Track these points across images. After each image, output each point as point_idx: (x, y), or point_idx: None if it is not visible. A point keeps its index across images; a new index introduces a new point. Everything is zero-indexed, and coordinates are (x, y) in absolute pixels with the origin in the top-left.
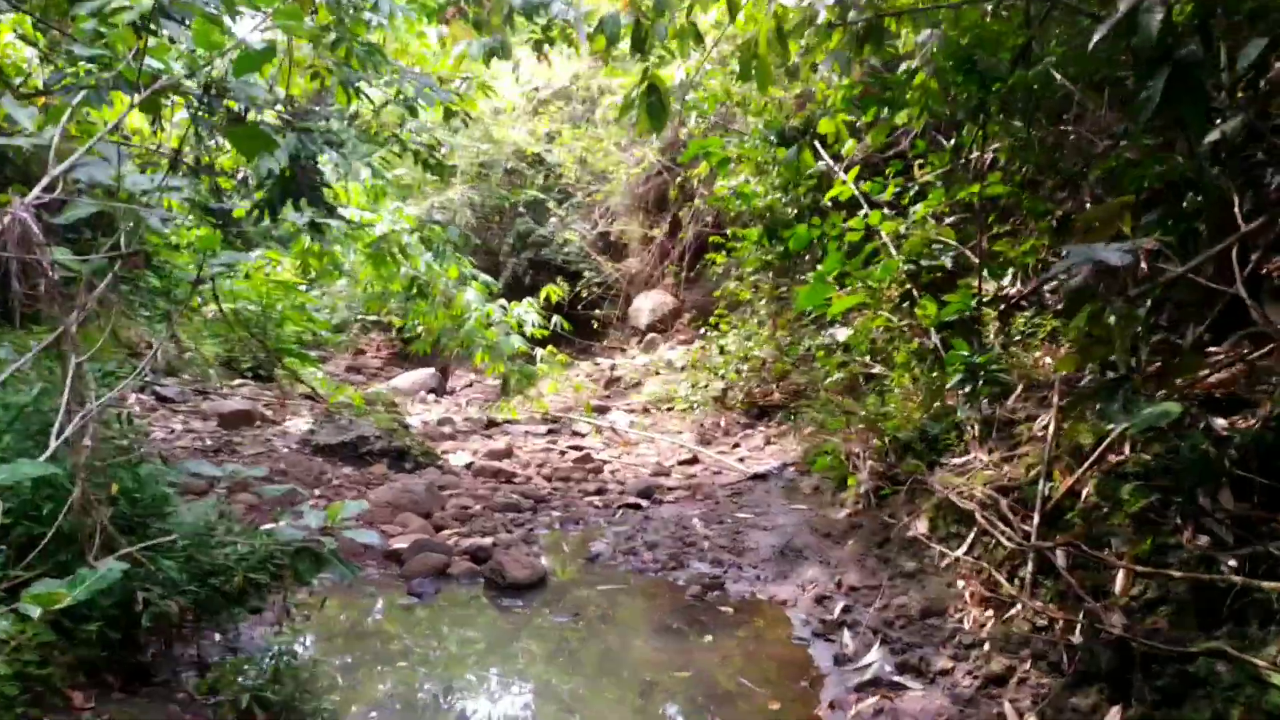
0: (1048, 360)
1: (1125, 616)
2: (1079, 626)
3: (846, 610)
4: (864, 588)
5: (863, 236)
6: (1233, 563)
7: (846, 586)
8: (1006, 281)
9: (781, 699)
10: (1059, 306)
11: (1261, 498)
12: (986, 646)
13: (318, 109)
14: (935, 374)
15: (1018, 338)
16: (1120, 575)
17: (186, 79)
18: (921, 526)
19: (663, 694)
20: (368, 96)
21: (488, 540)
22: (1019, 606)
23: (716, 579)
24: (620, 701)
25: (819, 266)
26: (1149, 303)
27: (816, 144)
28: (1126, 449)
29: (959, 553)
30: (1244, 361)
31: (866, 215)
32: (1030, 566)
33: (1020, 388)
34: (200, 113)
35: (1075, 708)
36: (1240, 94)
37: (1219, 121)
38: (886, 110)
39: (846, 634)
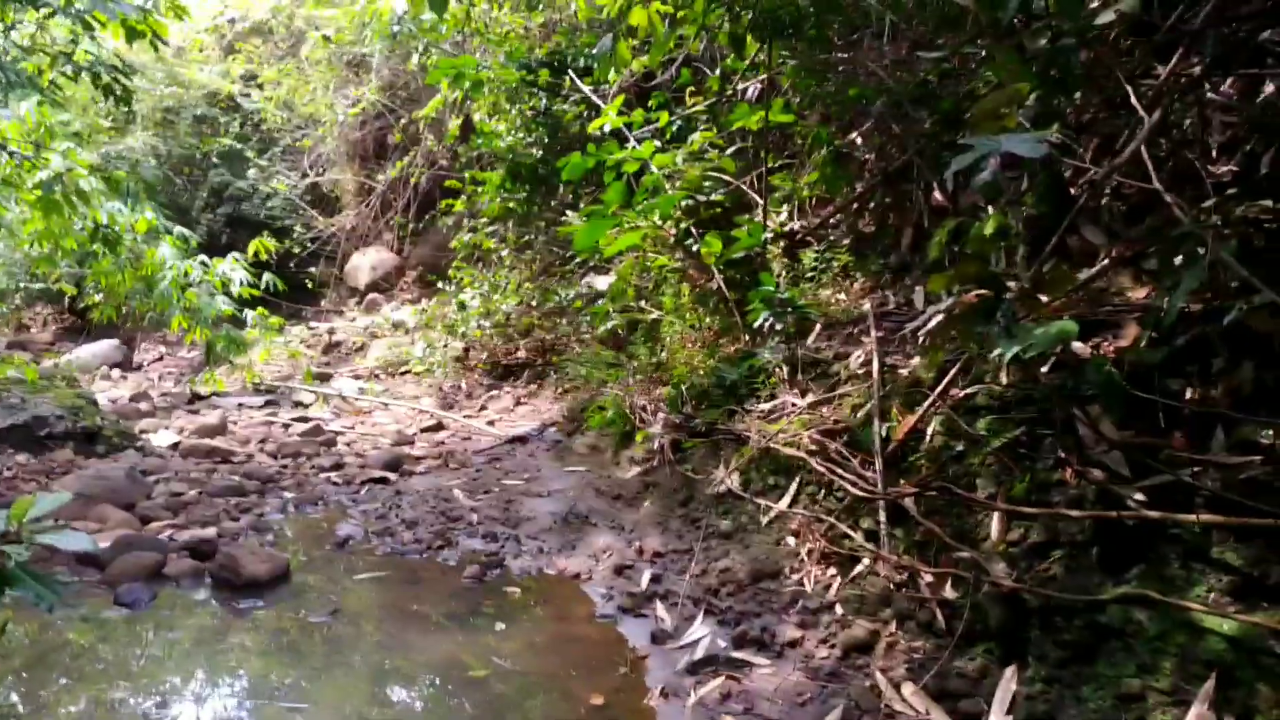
0: (841, 297)
1: (1009, 565)
2: (950, 580)
3: (656, 580)
4: (672, 553)
5: (638, 169)
6: (1140, 496)
7: (650, 553)
8: (784, 216)
9: (602, 690)
10: (845, 240)
11: (1143, 423)
12: (840, 610)
13: None
14: (720, 315)
15: (809, 275)
16: (995, 520)
17: None
18: (733, 481)
19: (464, 698)
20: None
21: (210, 531)
22: (867, 562)
23: (494, 556)
24: (414, 716)
25: (569, 212)
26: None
27: (571, 74)
28: (1005, 377)
29: (783, 505)
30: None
31: (639, 146)
32: (883, 516)
33: (819, 326)
34: None
35: (961, 672)
36: None
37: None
38: (667, 26)
39: (660, 607)
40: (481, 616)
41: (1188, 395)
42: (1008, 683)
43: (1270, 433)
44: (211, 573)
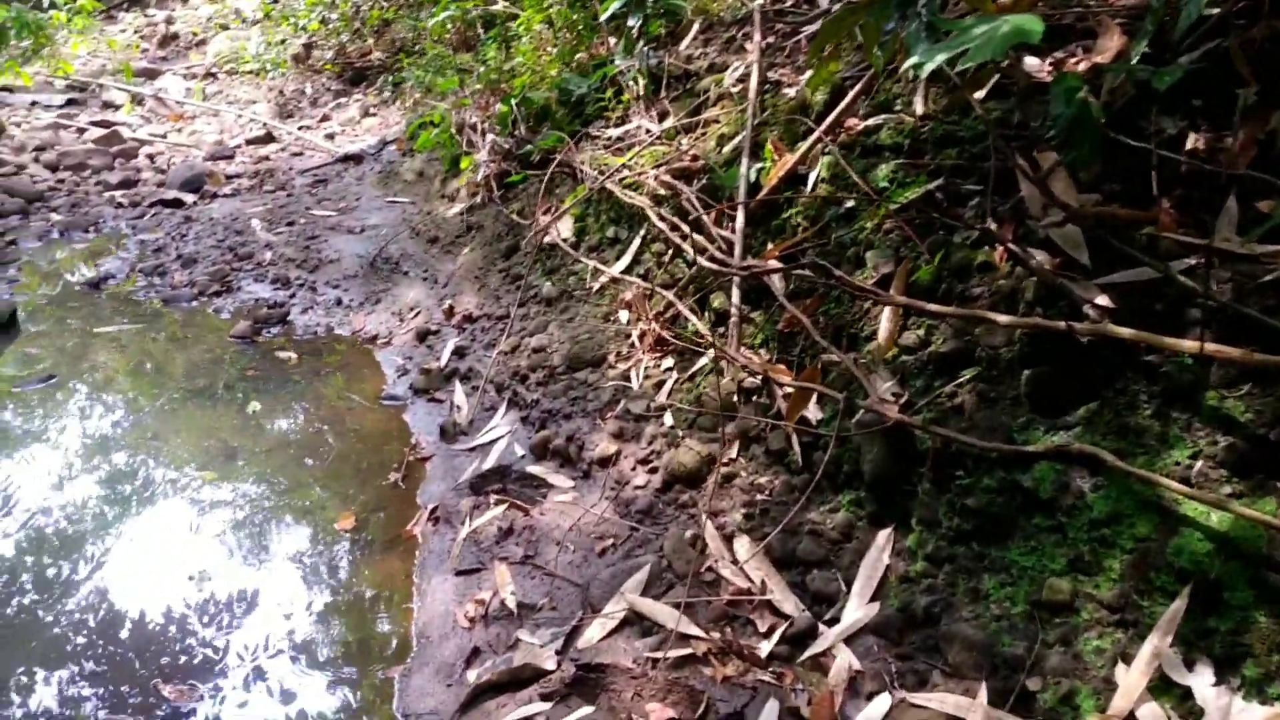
0: None
1: (899, 384)
2: (816, 396)
3: (460, 354)
4: (484, 318)
5: None
6: (1103, 300)
7: (460, 316)
8: None
9: (358, 508)
10: None
11: (1120, 184)
12: (669, 420)
13: None
14: (580, 10)
15: None
16: (886, 314)
17: None
18: (564, 229)
19: (170, 515)
20: None
21: None
22: (711, 356)
23: (279, 307)
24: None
25: None
26: None
27: None
28: (921, 105)
29: (617, 269)
30: None
31: None
32: (736, 295)
33: (696, 27)
34: None
35: (816, 529)
36: None
37: None
38: None
39: (459, 390)
40: (238, 391)
41: (1189, 144)
42: (879, 553)
43: None
44: None
